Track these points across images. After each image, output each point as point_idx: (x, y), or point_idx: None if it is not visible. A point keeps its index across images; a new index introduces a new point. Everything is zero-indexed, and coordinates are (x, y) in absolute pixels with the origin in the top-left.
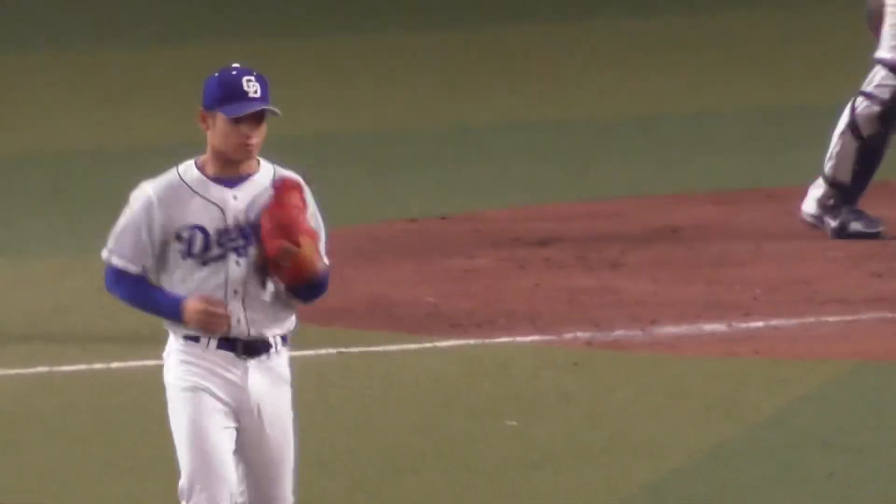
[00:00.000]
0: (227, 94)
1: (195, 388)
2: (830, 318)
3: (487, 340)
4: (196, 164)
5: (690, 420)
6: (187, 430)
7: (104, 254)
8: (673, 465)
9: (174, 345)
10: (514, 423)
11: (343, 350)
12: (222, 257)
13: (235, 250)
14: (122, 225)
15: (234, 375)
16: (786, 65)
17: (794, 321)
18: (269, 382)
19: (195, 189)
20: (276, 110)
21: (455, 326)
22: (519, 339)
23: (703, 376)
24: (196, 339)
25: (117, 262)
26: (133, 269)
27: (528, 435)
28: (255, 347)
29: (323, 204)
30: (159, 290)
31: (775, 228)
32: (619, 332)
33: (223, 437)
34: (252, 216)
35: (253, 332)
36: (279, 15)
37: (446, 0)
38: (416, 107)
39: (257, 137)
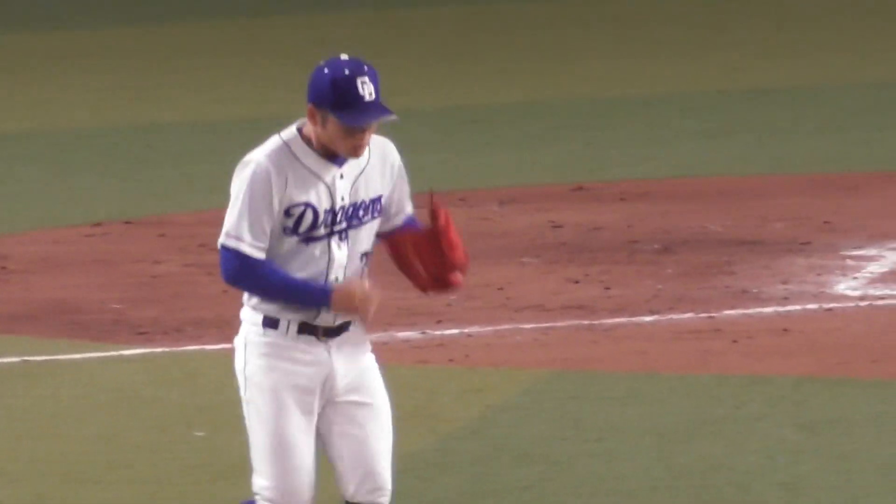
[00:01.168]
0: (341, 98)
1: (276, 390)
2: (526, 326)
3: (174, 348)
4: (301, 134)
5: None
6: (270, 438)
7: (228, 241)
8: None
9: (251, 335)
10: (202, 433)
11: (27, 358)
12: (325, 238)
13: (338, 233)
14: (243, 204)
15: (316, 356)
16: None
17: (488, 328)
18: (352, 353)
19: (304, 163)
20: (395, 117)
21: (141, 334)
22: (207, 347)
23: (395, 385)
24: (275, 325)
25: (247, 248)
26: (261, 253)
27: (216, 445)
28: (335, 330)
29: (4, 209)
30: (287, 273)
31: (468, 232)
32: None
33: (306, 443)
34: (355, 198)
35: (339, 320)
36: None
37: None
38: (100, 107)
39: (369, 135)
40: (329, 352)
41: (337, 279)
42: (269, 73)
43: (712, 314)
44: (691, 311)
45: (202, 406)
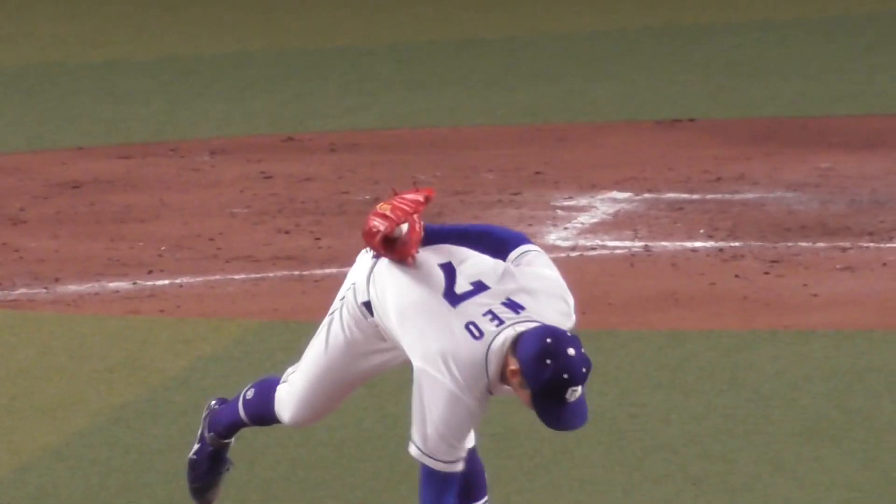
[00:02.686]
0: (547, 393)
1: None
2: (237, 276)
3: None
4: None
5: (93, 381)
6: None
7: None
8: (76, 426)
9: None
10: None
11: None
12: None
13: None
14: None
15: None
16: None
17: (199, 279)
18: None
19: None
20: (581, 426)
21: None
22: None
23: (106, 336)
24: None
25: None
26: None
27: None
28: None
29: None
30: None
31: (179, 183)
32: (21, 291)
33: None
34: None
35: None
36: None
37: None
38: None
39: None
40: None
41: None
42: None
43: None
44: None
45: None
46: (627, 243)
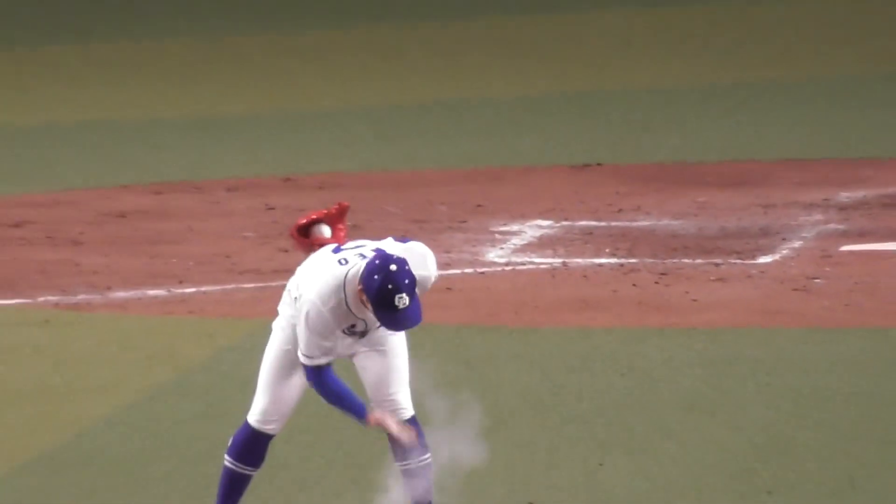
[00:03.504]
0: (380, 302)
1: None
2: (247, 285)
3: None
4: (346, 293)
5: (137, 366)
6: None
7: None
8: (124, 402)
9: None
10: None
11: None
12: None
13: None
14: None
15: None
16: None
17: (218, 287)
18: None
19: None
20: (413, 327)
21: None
22: (1, 301)
23: (146, 331)
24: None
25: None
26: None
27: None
28: None
29: None
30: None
31: (202, 213)
32: (81, 296)
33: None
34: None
35: None
36: None
37: None
38: None
39: None
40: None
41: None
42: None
43: None
44: None
45: None
46: (549, 260)
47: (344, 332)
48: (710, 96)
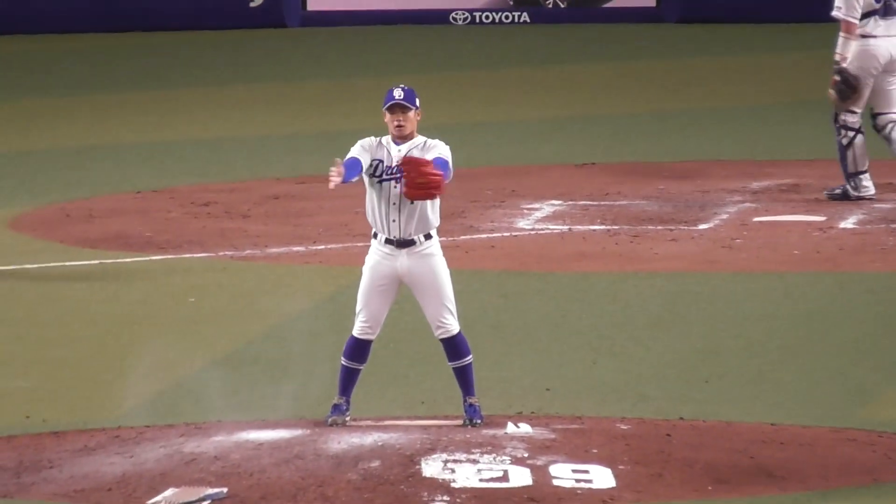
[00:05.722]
0: (385, 97)
1: (368, 272)
2: (358, 244)
3: None
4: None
5: (286, 298)
6: (360, 296)
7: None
8: (278, 322)
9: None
10: (193, 299)
11: None
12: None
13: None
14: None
15: (393, 258)
16: None
17: (339, 245)
18: (416, 261)
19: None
20: (408, 105)
21: None
22: (196, 255)
23: (292, 275)
24: (375, 236)
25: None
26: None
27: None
28: (405, 242)
29: None
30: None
31: (328, 196)
32: (247, 251)
33: (376, 303)
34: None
35: (403, 234)
36: None
37: None
38: None
39: (405, 122)
40: (401, 255)
41: (395, 205)
42: None
43: (453, 238)
44: (448, 234)
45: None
46: (560, 227)
47: (374, 167)
48: (668, 118)
